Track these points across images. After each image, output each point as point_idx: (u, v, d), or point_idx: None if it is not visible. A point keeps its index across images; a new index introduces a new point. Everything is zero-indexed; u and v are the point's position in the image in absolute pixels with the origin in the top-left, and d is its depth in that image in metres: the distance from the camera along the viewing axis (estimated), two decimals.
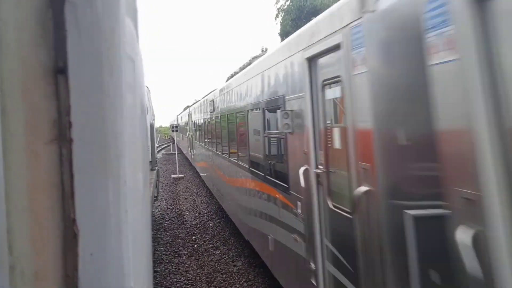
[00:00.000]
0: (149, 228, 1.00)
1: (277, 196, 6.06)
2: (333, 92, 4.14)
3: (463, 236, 2.08)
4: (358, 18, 3.34)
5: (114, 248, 0.72)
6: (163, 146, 51.50)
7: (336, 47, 3.77)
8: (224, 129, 11.88)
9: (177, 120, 39.22)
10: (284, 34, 37.12)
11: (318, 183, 4.53)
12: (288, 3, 38.67)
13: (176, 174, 23.47)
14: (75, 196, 0.70)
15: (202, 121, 18.73)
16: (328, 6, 5.10)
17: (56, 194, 0.71)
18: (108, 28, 0.70)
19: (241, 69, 11.48)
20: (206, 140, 17.36)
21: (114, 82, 0.71)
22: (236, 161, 9.91)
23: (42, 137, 0.71)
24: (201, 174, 20.09)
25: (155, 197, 12.37)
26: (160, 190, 17.38)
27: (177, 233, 12.13)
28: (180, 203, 16.47)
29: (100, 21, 0.69)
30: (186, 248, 10.66)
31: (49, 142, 0.71)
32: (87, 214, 0.70)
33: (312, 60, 4.52)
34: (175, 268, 9.29)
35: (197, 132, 21.91)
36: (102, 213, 0.71)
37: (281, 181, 5.89)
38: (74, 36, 0.67)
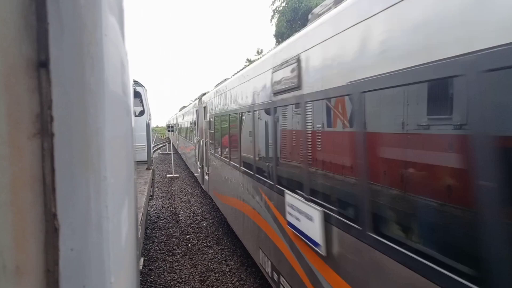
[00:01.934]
0: (134, 225, 1.00)
1: None
2: None
3: None
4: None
5: (94, 243, 0.72)
6: (159, 146, 51.56)
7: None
8: None
9: (197, 113, 17.61)
10: (279, 35, 37.11)
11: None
12: (283, 4, 38.69)
13: (171, 173, 23.43)
14: (56, 191, 0.69)
15: None
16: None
17: (38, 189, 0.71)
18: (90, 22, 0.70)
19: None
20: None
21: (96, 77, 0.71)
22: None
23: (25, 131, 0.71)
24: None
25: (150, 196, 12.34)
26: (156, 189, 17.34)
27: (171, 232, 12.12)
28: (175, 202, 16.44)
29: (82, 15, 0.69)
30: (180, 247, 10.66)
31: (32, 137, 0.71)
32: (68, 209, 0.70)
33: None
34: (169, 267, 9.28)
35: None
36: (82, 208, 0.71)
37: None
38: (56, 30, 0.67)
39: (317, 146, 4.55)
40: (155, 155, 37.44)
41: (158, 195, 17.64)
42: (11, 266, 0.72)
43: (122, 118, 0.92)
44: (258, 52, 48.48)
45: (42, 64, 0.67)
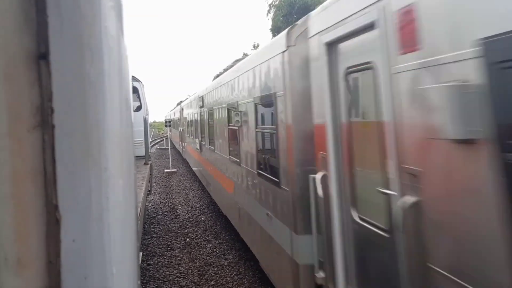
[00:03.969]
0: (134, 216, 1.00)
1: None
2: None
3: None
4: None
5: (96, 234, 0.73)
6: (157, 141, 51.69)
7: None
8: None
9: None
10: (275, 30, 36.99)
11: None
12: None
13: (169, 168, 23.44)
14: (57, 183, 0.70)
15: None
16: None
17: (39, 181, 0.71)
18: (89, 14, 0.70)
19: None
20: None
21: (95, 69, 0.71)
22: None
23: (25, 124, 0.71)
24: None
25: (148, 191, 12.36)
26: (154, 184, 17.36)
27: (169, 226, 12.14)
28: (173, 197, 16.47)
29: (81, 7, 0.69)
30: (178, 242, 10.69)
31: (32, 129, 0.71)
32: (70, 200, 0.70)
33: None
34: (167, 261, 9.31)
35: None
36: (84, 199, 0.71)
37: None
38: (56, 21, 0.67)
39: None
40: (153, 150, 37.45)
41: (156, 190, 17.66)
42: (13, 258, 0.72)
43: (122, 110, 0.92)
44: (254, 46, 48.33)
45: (42, 56, 0.67)
